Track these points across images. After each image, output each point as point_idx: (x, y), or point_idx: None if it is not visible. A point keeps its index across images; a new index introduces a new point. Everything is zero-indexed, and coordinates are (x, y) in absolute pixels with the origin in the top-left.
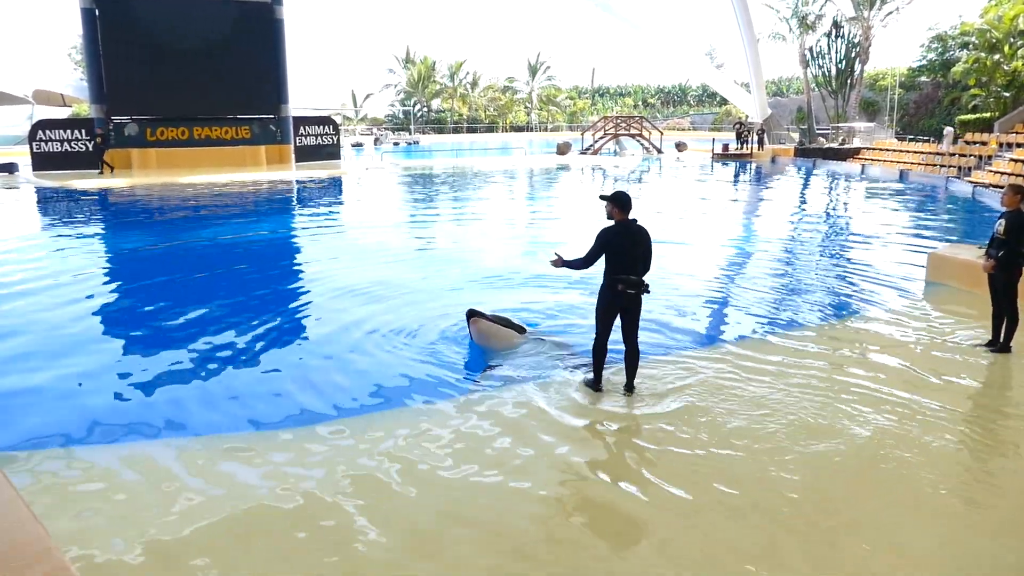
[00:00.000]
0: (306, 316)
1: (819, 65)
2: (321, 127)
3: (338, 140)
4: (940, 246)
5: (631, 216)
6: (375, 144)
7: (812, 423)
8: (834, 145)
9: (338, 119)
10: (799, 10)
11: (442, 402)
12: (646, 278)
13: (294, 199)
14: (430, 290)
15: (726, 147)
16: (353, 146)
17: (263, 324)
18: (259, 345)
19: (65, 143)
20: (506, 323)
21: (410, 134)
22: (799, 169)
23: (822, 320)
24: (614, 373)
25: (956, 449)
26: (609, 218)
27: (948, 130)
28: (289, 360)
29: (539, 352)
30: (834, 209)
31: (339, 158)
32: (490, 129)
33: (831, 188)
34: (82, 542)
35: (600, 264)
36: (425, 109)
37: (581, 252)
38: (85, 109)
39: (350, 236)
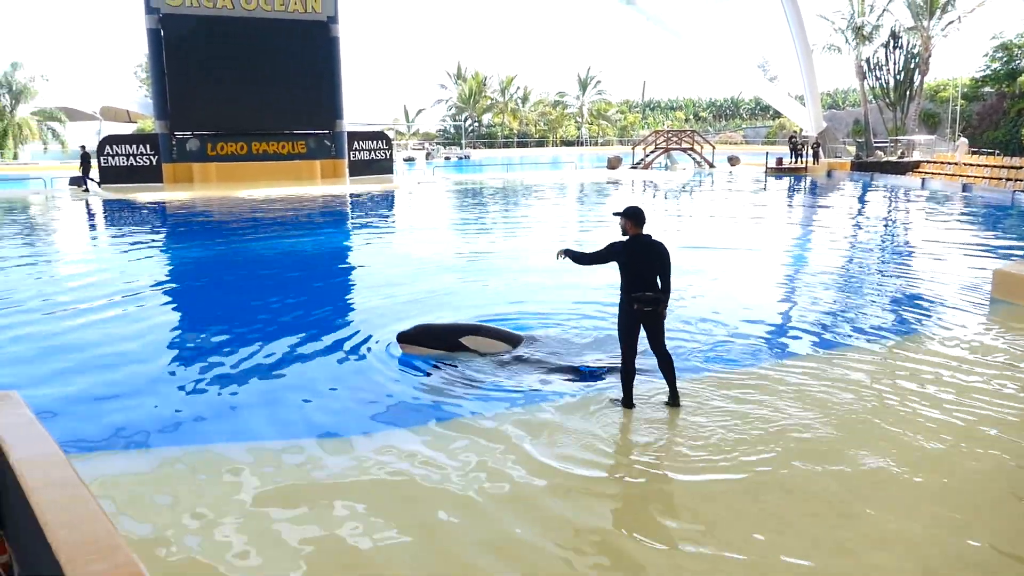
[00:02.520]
0: (355, 324)
1: (876, 77)
2: (374, 142)
3: (391, 155)
4: (1006, 263)
5: (645, 231)
6: (427, 159)
7: (864, 451)
8: (893, 158)
9: (391, 134)
10: (855, 21)
11: (467, 418)
12: (671, 294)
13: (348, 212)
14: (474, 299)
15: (780, 161)
16: (405, 160)
17: (318, 333)
18: (309, 352)
19: (130, 157)
20: (496, 335)
21: (461, 149)
22: (856, 183)
23: (880, 338)
24: (648, 389)
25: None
26: (624, 234)
27: (962, 140)
28: (346, 369)
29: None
30: (893, 223)
31: (391, 172)
32: (540, 144)
33: (890, 202)
34: (149, 538)
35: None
36: (476, 124)
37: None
38: (149, 125)
39: (402, 248)
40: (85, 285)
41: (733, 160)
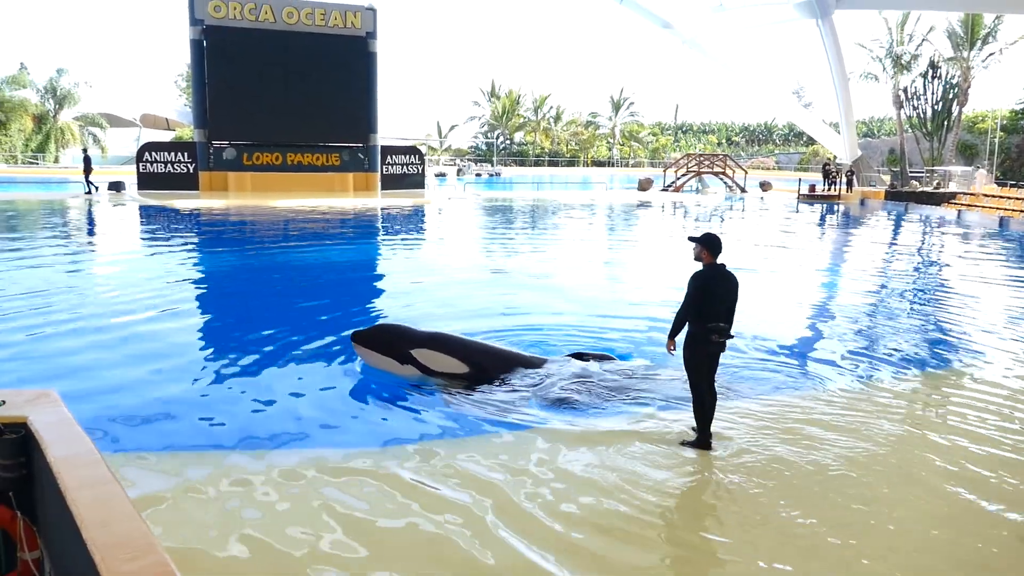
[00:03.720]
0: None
1: (914, 106)
2: (407, 157)
3: (423, 170)
4: None
5: (720, 260)
6: (458, 175)
7: (896, 487)
8: (928, 189)
9: (423, 149)
10: (893, 50)
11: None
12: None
13: (379, 225)
14: (490, 313)
15: (813, 188)
16: (436, 176)
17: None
18: (337, 364)
19: (168, 164)
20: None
21: (492, 166)
22: (890, 212)
23: (914, 371)
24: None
25: None
26: (697, 260)
27: (980, 172)
28: (375, 381)
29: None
30: (928, 254)
31: (423, 187)
32: (571, 163)
33: (924, 233)
34: (181, 539)
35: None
36: (508, 141)
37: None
38: (187, 133)
39: (428, 261)
40: (118, 287)
41: (765, 185)
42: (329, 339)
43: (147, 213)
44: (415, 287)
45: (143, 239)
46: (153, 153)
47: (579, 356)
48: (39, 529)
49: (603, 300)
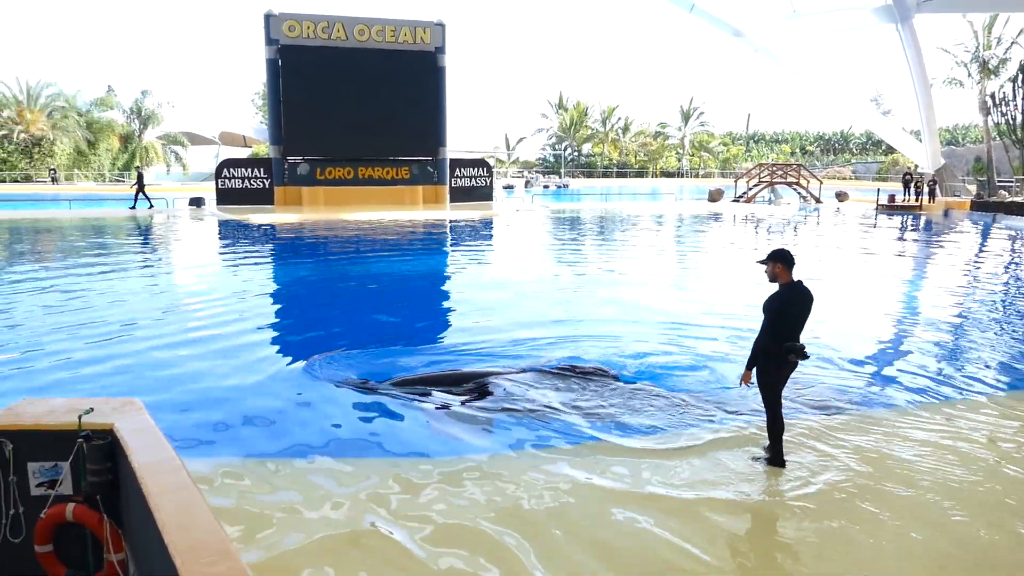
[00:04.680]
0: (461, 350)
1: (1002, 113)
2: (475, 169)
3: (491, 182)
4: None
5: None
6: (526, 187)
7: (973, 511)
8: (1019, 199)
9: (491, 161)
10: (980, 54)
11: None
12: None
13: (448, 237)
14: (559, 322)
15: (892, 198)
16: (504, 188)
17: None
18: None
19: (245, 180)
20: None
21: (560, 177)
22: (976, 224)
23: (1001, 390)
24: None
25: None
26: (772, 280)
27: None
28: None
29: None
30: (1018, 268)
31: (491, 199)
32: (640, 174)
33: (1015, 246)
34: (256, 545)
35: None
36: (576, 153)
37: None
38: (264, 149)
39: (496, 274)
40: (198, 298)
41: (841, 196)
42: (400, 348)
43: (225, 227)
44: (481, 297)
45: (221, 253)
46: (231, 169)
47: (573, 368)
48: (124, 532)
49: (668, 312)
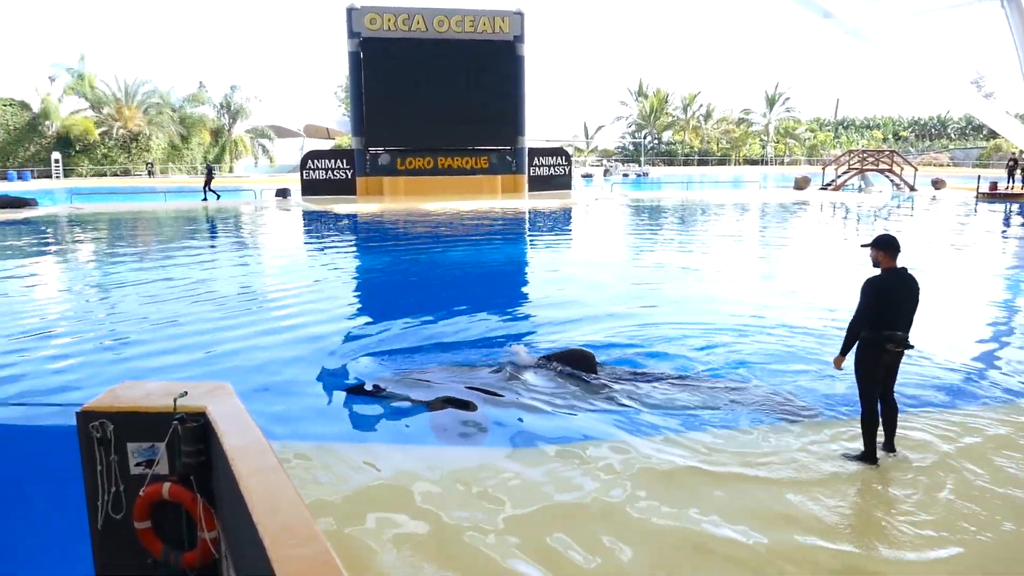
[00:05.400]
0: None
1: None
2: (554, 158)
3: (569, 171)
4: None
5: (899, 264)
6: (604, 175)
7: None
8: None
9: (569, 150)
10: None
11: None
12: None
13: (527, 226)
14: (635, 311)
15: (994, 185)
16: (583, 176)
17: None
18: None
19: (328, 171)
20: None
21: (640, 166)
22: None
23: None
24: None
25: None
26: (875, 266)
27: None
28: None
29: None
30: None
31: (570, 188)
32: (722, 162)
33: None
34: (345, 529)
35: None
36: (656, 141)
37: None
38: (346, 141)
39: (574, 262)
40: (284, 286)
41: (938, 183)
42: (484, 337)
43: (310, 217)
44: (559, 285)
45: (307, 242)
46: (315, 161)
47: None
48: (216, 511)
49: (747, 302)
